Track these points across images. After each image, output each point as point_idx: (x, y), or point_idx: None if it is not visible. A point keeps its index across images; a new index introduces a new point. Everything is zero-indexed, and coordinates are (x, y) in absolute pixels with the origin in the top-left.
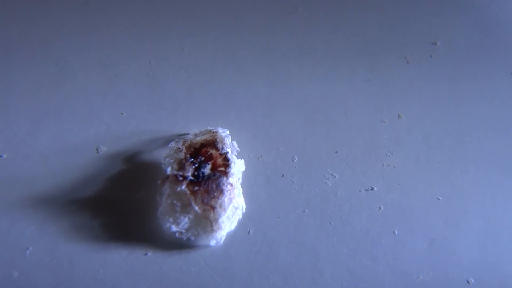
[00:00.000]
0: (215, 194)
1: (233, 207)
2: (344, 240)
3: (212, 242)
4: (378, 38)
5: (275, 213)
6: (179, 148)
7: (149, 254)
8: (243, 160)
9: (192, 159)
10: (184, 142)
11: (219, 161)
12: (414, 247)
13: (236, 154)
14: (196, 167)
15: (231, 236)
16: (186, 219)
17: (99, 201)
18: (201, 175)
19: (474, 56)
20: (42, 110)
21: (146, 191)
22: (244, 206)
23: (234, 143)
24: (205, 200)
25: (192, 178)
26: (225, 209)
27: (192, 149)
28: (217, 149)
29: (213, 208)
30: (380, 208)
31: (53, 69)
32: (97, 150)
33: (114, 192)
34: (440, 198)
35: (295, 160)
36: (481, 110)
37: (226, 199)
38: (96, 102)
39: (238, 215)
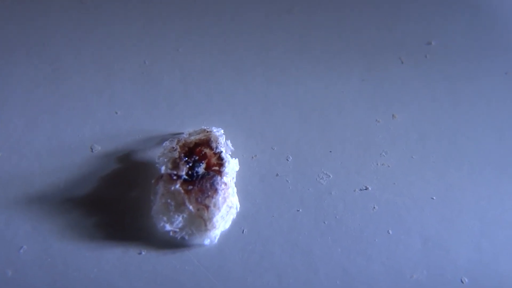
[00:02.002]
0: (209, 193)
1: (227, 206)
2: (338, 240)
3: (206, 241)
4: (373, 38)
5: (269, 213)
6: (173, 147)
7: (143, 253)
8: (237, 159)
9: (186, 158)
10: (178, 141)
11: (213, 160)
12: (408, 246)
13: (230, 153)
14: (190, 166)
15: (225, 235)
16: (180, 218)
17: (94, 200)
18: (195, 174)
19: (469, 56)
20: (37, 109)
21: (140, 190)
22: (238, 205)
23: (228, 142)
24: (199, 199)
25: (186, 177)
26: (219, 208)
27: (186, 148)
28: (211, 148)
29: (207, 207)
30: (374, 207)
31: (48, 68)
32: (92, 149)
33: (108, 191)
34: (434, 197)
35: (289, 160)
36: (475, 110)
37: (220, 198)
38: (91, 101)
39: (232, 214)
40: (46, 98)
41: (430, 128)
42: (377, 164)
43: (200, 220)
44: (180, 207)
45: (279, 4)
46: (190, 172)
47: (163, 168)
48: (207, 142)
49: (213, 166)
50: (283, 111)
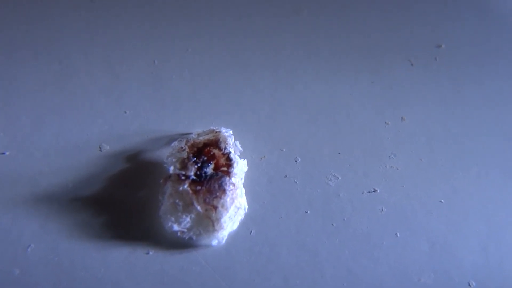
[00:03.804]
0: (217, 194)
1: (235, 207)
2: (345, 242)
3: (214, 242)
4: (382, 40)
5: (277, 214)
6: (182, 148)
7: (150, 253)
8: (245, 160)
9: (195, 159)
10: (187, 141)
11: (222, 161)
12: (415, 249)
13: (239, 154)
14: (198, 167)
15: (233, 236)
16: (188, 219)
17: (101, 199)
18: (203, 174)
19: (478, 59)
20: (45, 108)
21: (148, 190)
22: (246, 206)
23: (237, 143)
24: (207, 200)
25: (194, 177)
26: (227, 209)
27: (195, 149)
28: (220, 149)
29: (215, 207)
30: (382, 210)
31: (57, 67)
32: (100, 148)
33: (116, 191)
34: (442, 200)
35: (298, 161)
36: (484, 113)
37: (228, 199)
38: (100, 101)
39: (240, 215)
40: (54, 97)
41: (438, 131)
42: (385, 167)
43: (208, 220)
44: (188, 207)
45: (288, 6)
46: (198, 173)
47: (171, 168)
48: (215, 143)
49: (221, 167)
50: (292, 112)
